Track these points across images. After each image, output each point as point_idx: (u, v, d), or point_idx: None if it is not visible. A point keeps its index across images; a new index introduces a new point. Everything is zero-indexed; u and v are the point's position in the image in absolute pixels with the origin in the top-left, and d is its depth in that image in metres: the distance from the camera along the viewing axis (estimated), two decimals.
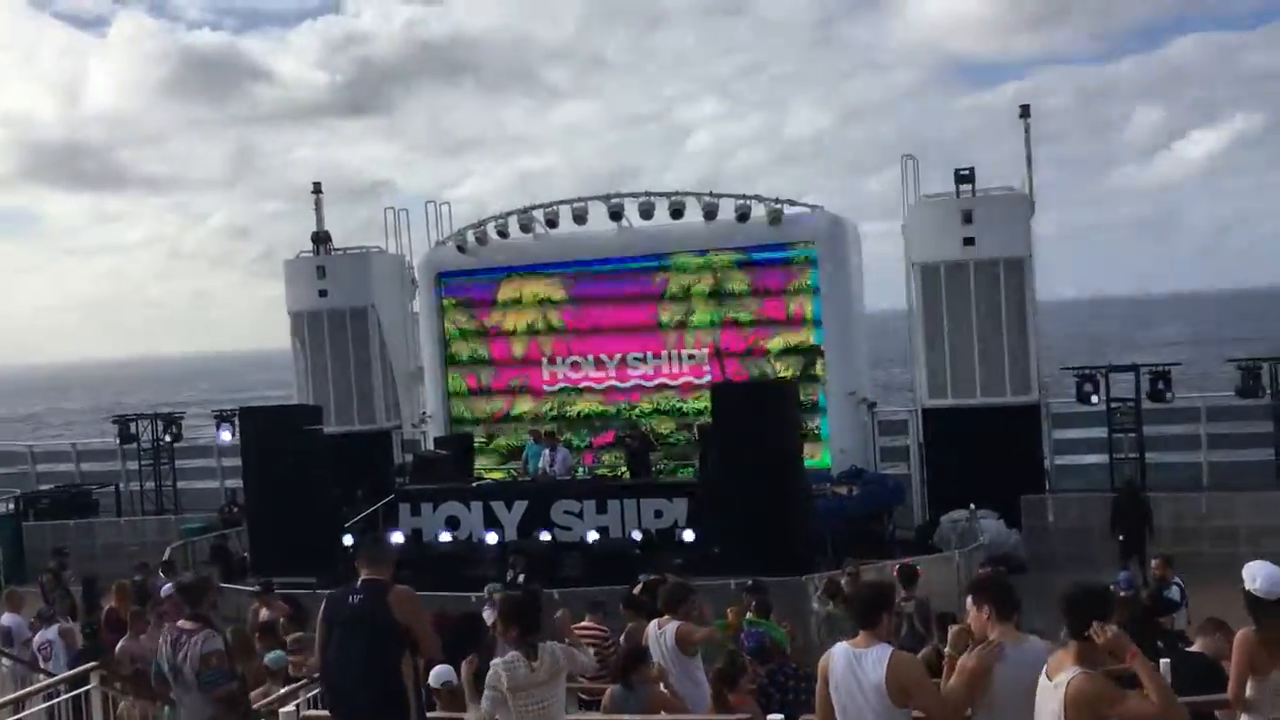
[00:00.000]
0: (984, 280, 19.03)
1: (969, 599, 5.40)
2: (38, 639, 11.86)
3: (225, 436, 22.87)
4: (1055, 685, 4.85)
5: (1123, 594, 11.40)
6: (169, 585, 13.45)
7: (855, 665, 5.36)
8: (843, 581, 12.36)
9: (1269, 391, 18.48)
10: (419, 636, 6.31)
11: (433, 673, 7.78)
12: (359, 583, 6.38)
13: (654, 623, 8.68)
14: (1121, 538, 16.77)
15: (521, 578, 15.12)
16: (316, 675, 7.62)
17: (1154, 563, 12.99)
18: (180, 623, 7.25)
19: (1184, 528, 17.87)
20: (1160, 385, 18.83)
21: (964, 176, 19.21)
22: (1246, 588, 5.83)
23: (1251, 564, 5.88)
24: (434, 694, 7.77)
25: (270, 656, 9.37)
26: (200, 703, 6.85)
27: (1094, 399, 19.07)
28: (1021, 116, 19.66)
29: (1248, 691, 5.87)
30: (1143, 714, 4.72)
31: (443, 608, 11.05)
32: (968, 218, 19.03)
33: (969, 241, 19.00)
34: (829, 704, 5.46)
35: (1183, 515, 18.03)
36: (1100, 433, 19.68)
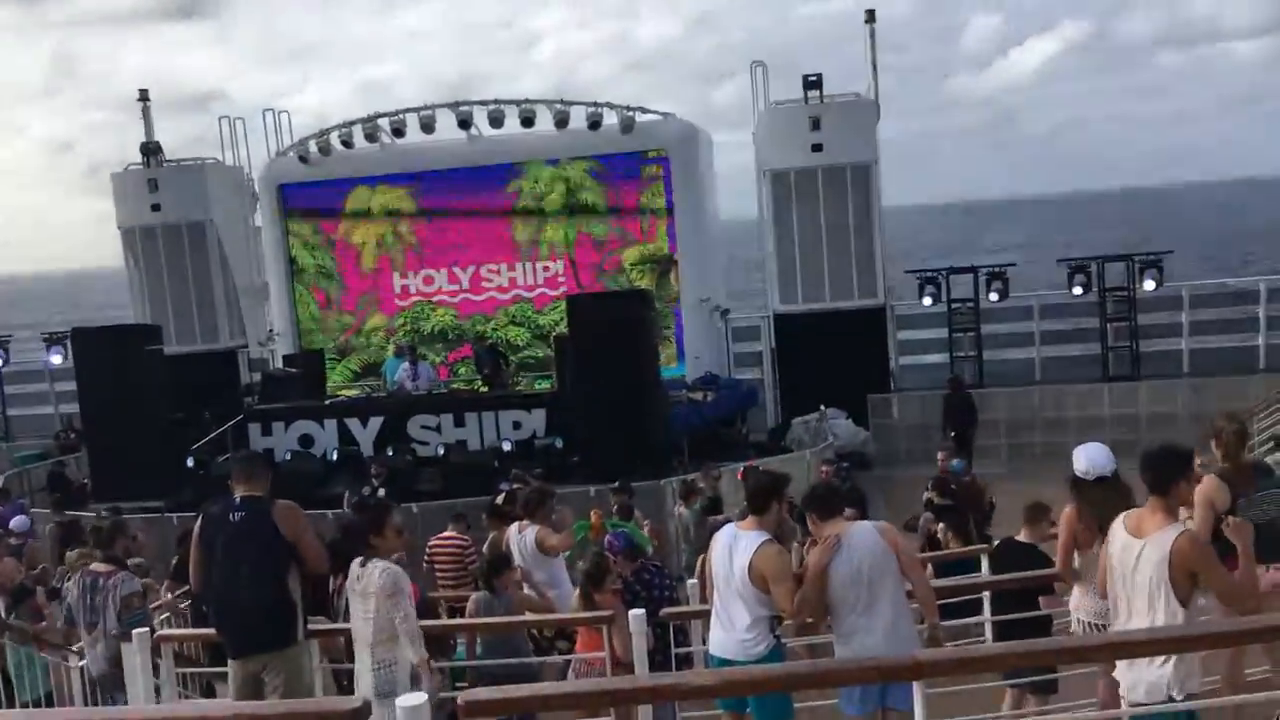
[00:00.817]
0: (832, 186, 19.36)
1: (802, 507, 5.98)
2: None
3: (56, 360, 21.77)
4: (1152, 542, 4.79)
5: (965, 479, 12.03)
6: (22, 519, 12.92)
7: (732, 544, 5.78)
8: (701, 484, 12.63)
9: (1096, 289, 19.47)
10: (304, 548, 6.32)
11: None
12: (238, 499, 6.35)
13: (514, 526, 8.75)
14: (952, 434, 17.52)
15: (381, 491, 14.97)
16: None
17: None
18: (94, 566, 7.57)
19: (1018, 420, 18.91)
20: (997, 285, 19.63)
21: (812, 83, 19.37)
22: (1074, 470, 6.24)
23: (1079, 447, 6.29)
24: None
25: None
26: (118, 644, 7.06)
27: (935, 300, 19.77)
28: (866, 22, 19.88)
29: (1074, 563, 6.31)
30: (1228, 584, 4.91)
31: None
32: (816, 124, 19.25)
33: (817, 148, 19.26)
34: (709, 579, 5.92)
35: (1017, 408, 19.04)
36: (941, 333, 20.46)
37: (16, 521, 12.86)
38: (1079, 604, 6.38)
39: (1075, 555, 6.35)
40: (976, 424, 17.86)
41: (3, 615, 8.91)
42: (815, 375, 18.84)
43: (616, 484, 12.06)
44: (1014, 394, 19.37)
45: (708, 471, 13.52)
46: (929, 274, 20.06)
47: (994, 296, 19.60)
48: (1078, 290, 19.32)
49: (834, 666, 4.77)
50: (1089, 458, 6.21)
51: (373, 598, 5.97)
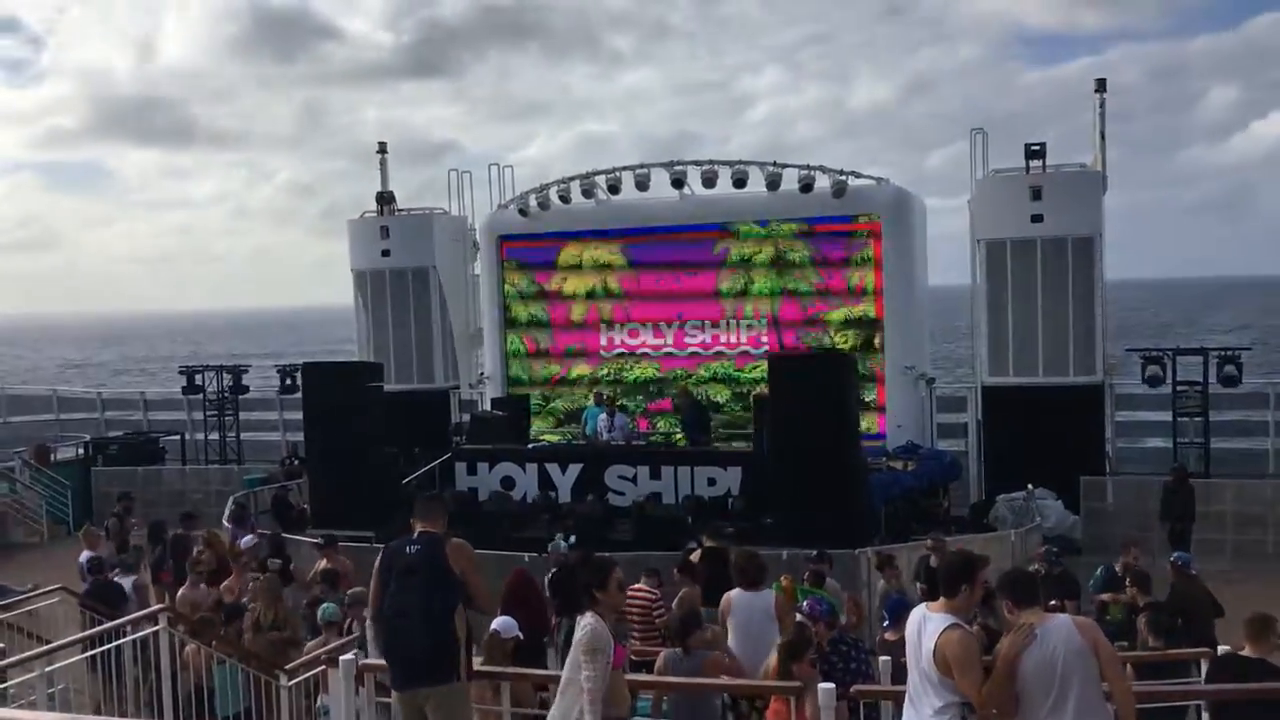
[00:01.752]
0: (1051, 258, 18.70)
1: (997, 596, 5.71)
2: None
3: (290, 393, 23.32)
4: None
5: (1193, 571, 11.16)
6: (250, 538, 13.86)
7: (921, 626, 5.59)
8: (929, 555, 12.20)
9: None
10: (473, 587, 6.49)
11: (498, 622, 7.93)
12: (416, 534, 6.58)
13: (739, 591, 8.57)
14: (1169, 527, 16.48)
15: (572, 539, 15.26)
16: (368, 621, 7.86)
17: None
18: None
19: (1247, 514, 17.56)
20: (1229, 369, 18.43)
21: (1034, 152, 18.85)
22: None
23: None
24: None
25: (324, 609, 9.56)
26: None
27: (1160, 382, 18.72)
28: (1097, 91, 19.22)
29: None
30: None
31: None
32: (1037, 194, 18.68)
33: (1037, 218, 18.67)
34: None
35: (1246, 502, 17.69)
36: (1164, 416, 19.33)
37: (245, 540, 13.78)
38: None
39: None
40: (1194, 519, 16.73)
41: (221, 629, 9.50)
42: (1024, 452, 18.12)
43: (815, 552, 11.83)
44: (1243, 486, 18.04)
45: (932, 542, 12.80)
46: (1154, 353, 19.03)
47: (1226, 381, 18.39)
48: None
49: None
50: None
51: (577, 648, 6.00)
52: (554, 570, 10.70)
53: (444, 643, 6.31)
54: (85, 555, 13.10)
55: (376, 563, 6.73)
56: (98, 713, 7.79)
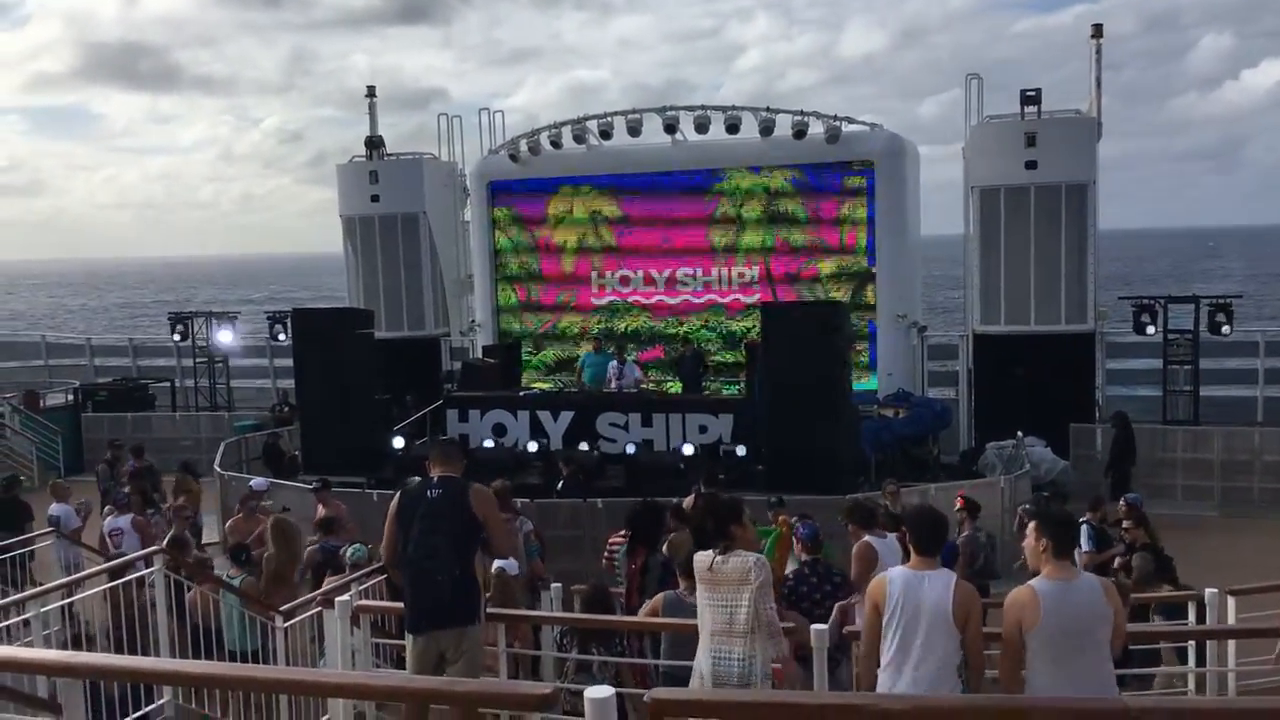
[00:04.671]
0: (1045, 205, 18.65)
1: (1031, 523, 5.42)
2: (108, 524, 12.21)
3: (281, 337, 23.25)
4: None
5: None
6: (261, 480, 13.98)
7: (917, 587, 5.41)
8: (883, 500, 12.34)
9: None
10: (493, 531, 6.56)
11: (503, 562, 7.99)
12: (435, 478, 6.58)
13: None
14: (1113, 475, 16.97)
15: (560, 485, 15.34)
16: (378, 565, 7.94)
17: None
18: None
19: (1235, 462, 17.72)
20: (1219, 318, 18.47)
21: (1030, 98, 18.72)
22: None
23: None
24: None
25: (353, 550, 9.49)
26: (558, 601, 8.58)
27: (1150, 329, 18.77)
28: (1093, 37, 19.05)
29: None
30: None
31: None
32: (1031, 140, 18.58)
33: (1031, 165, 18.59)
34: (877, 630, 5.48)
35: (1235, 449, 17.84)
36: (1155, 364, 19.41)
37: (257, 482, 13.89)
38: None
39: None
40: (1134, 464, 17.36)
41: (226, 571, 9.53)
42: (1014, 400, 18.20)
43: (775, 499, 11.98)
44: (1232, 434, 18.17)
45: (887, 488, 13.16)
46: (1146, 301, 19.05)
47: (1219, 329, 18.43)
48: None
49: (1040, 704, 4.51)
50: None
51: (738, 587, 5.88)
52: (637, 506, 10.80)
53: (469, 585, 6.40)
54: (54, 508, 13.06)
55: (392, 507, 6.68)
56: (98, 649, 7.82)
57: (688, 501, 11.81)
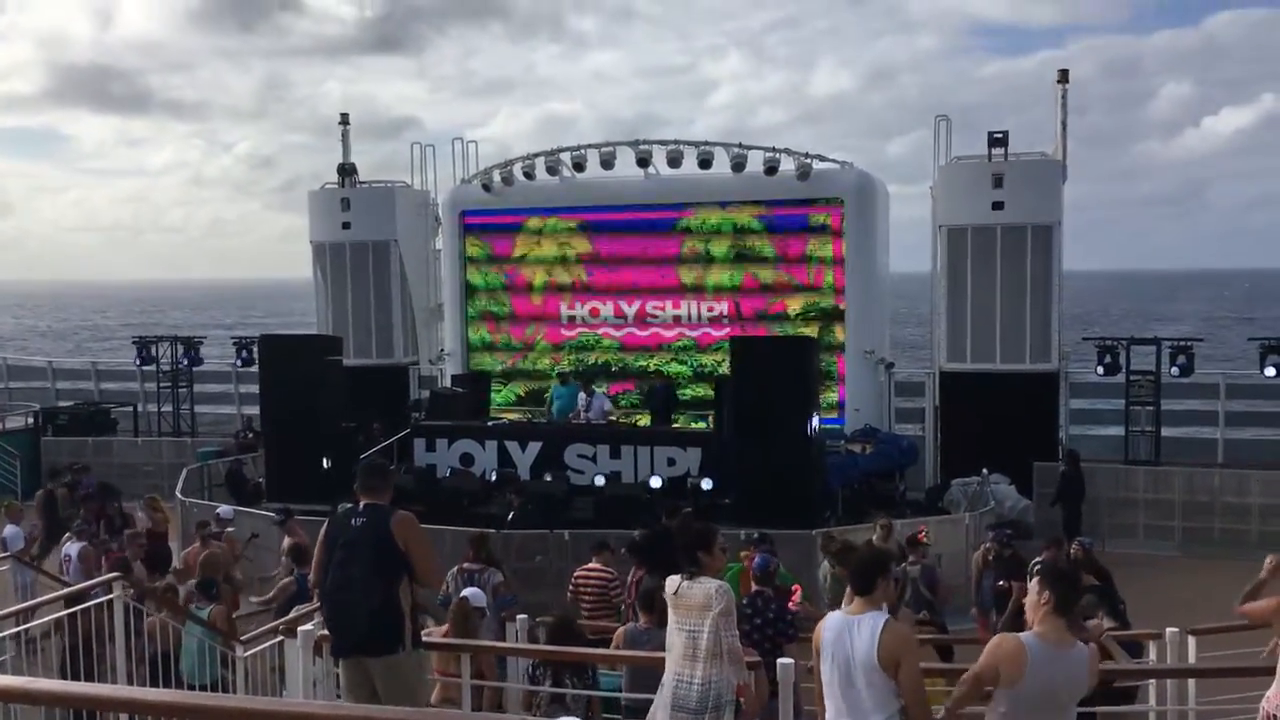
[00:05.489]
0: (1011, 245, 18.88)
1: (1036, 577, 5.17)
2: (65, 550, 12.07)
3: (241, 364, 23.09)
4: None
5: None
6: (228, 508, 13.88)
7: (848, 633, 5.20)
8: (874, 537, 12.26)
9: None
10: (418, 561, 6.40)
11: (469, 591, 7.92)
12: (361, 506, 6.49)
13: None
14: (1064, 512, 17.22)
15: (510, 515, 15.29)
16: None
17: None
18: (466, 564, 10.10)
19: (1196, 503, 17.90)
20: (1181, 360, 18.74)
21: (997, 140, 18.99)
22: None
23: None
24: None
25: None
26: (491, 622, 8.85)
27: (1114, 370, 19.00)
28: (1059, 82, 19.39)
29: None
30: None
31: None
32: (998, 182, 18.84)
33: (998, 205, 18.84)
34: (819, 676, 5.32)
35: (1196, 490, 18.03)
36: (1117, 404, 19.63)
37: (224, 510, 13.77)
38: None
39: None
40: (1083, 501, 17.59)
41: (190, 598, 9.40)
42: (979, 437, 18.33)
43: (756, 535, 11.93)
44: (1192, 474, 18.37)
45: (878, 523, 12.83)
46: (1108, 342, 19.30)
47: (1176, 371, 18.71)
48: (1270, 371, 18.26)
49: None
50: None
51: (700, 613, 5.86)
52: (643, 532, 10.82)
53: (386, 616, 6.26)
54: (6, 530, 12.92)
55: (320, 533, 6.68)
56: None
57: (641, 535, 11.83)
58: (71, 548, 12.06)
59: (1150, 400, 19.17)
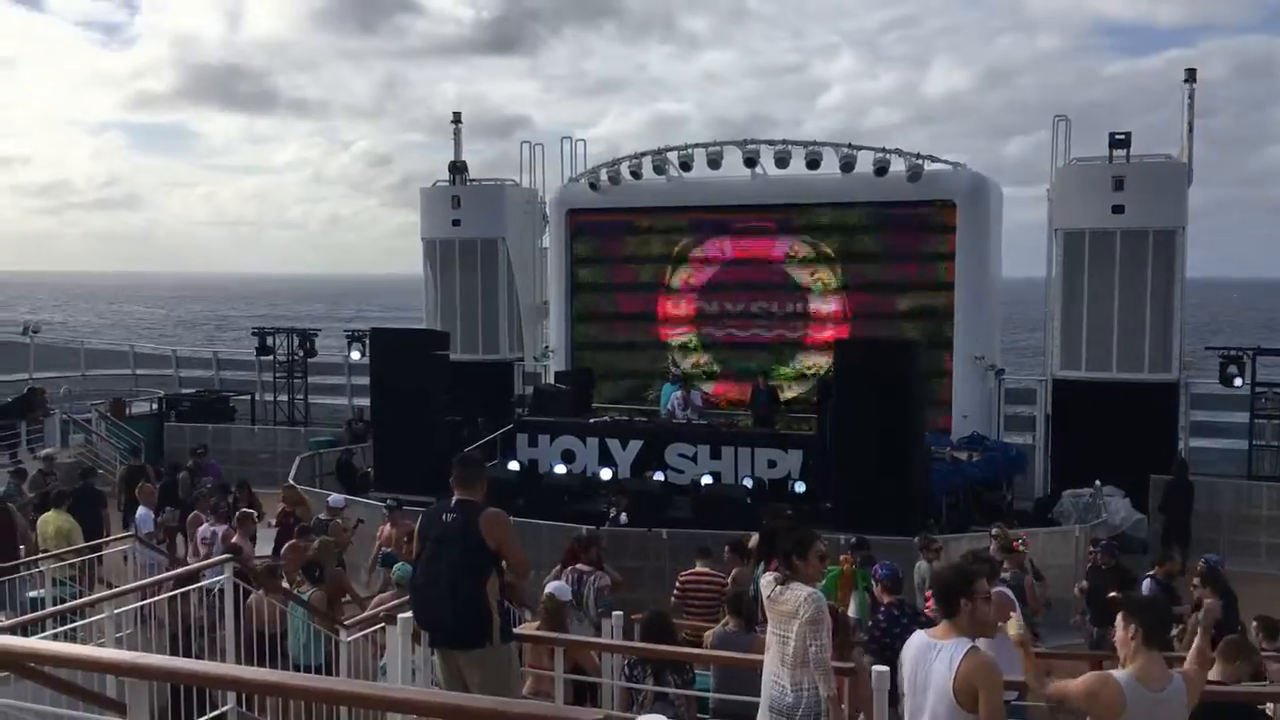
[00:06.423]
0: (1131, 250, 18.26)
1: (1120, 613, 4.94)
2: (203, 531, 12.49)
3: (355, 355, 23.67)
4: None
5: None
6: (339, 497, 14.28)
7: (927, 658, 4.87)
8: (991, 547, 11.91)
9: None
10: (509, 557, 6.45)
11: (553, 586, 7.99)
12: (453, 501, 6.54)
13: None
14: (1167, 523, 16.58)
15: (624, 516, 15.33)
16: None
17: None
18: (579, 565, 10.32)
19: None
20: None
21: (1119, 141, 18.38)
22: None
23: None
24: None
25: (397, 569, 9.67)
26: (590, 622, 9.08)
27: (1238, 381, 18.24)
28: (1186, 81, 18.67)
29: None
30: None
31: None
32: (1119, 184, 18.24)
33: (1118, 209, 18.23)
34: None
35: None
36: (1241, 418, 18.83)
37: (334, 498, 14.16)
38: None
39: None
40: (1190, 513, 16.87)
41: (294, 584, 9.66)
42: (1092, 448, 17.76)
43: (854, 540, 11.75)
44: None
45: (928, 544, 12.33)
46: (1234, 352, 18.52)
47: None
48: None
49: None
50: None
51: (790, 619, 5.85)
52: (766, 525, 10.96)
53: (471, 612, 6.30)
54: (139, 512, 13.45)
55: (417, 527, 6.79)
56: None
57: (753, 541, 11.76)
58: (207, 530, 12.42)
59: (1276, 413, 18.35)
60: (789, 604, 5.87)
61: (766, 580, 6.05)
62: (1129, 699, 4.66)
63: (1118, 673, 4.79)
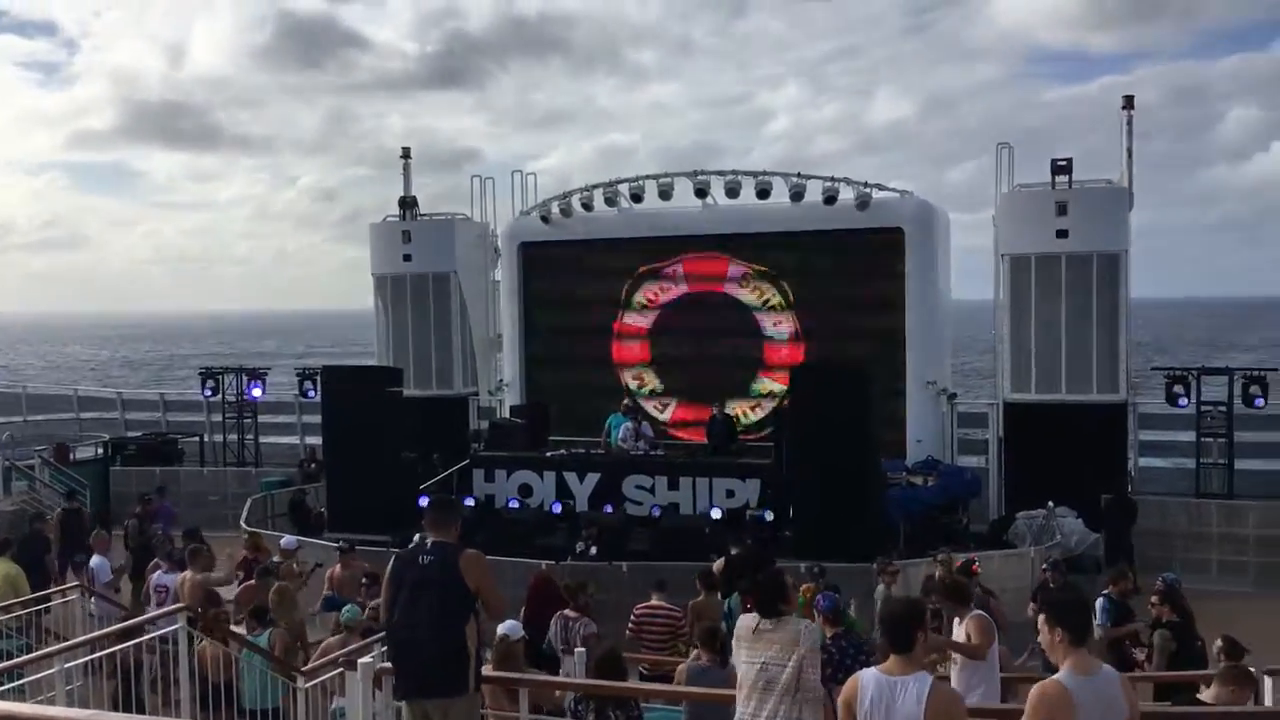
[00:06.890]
0: (1076, 274, 18.54)
1: (1041, 617, 4.97)
2: (155, 579, 12.12)
3: (309, 394, 23.37)
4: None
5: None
6: (291, 539, 14.03)
7: (889, 695, 4.78)
8: (936, 572, 12.00)
9: None
10: (487, 598, 6.37)
11: (505, 626, 7.91)
12: (429, 544, 6.44)
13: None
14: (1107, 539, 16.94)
15: (593, 549, 15.23)
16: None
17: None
18: (567, 612, 10.29)
19: (1271, 536, 17.40)
20: (1254, 390, 18.23)
21: (1061, 167, 18.69)
22: None
23: None
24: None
25: (346, 611, 9.56)
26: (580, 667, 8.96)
27: (1184, 401, 18.55)
28: (1124, 108, 19.05)
29: None
30: None
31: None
32: (1062, 209, 18.53)
33: (1062, 234, 18.52)
34: None
35: (1271, 524, 17.52)
36: (1188, 436, 19.15)
37: (287, 540, 13.92)
38: None
39: None
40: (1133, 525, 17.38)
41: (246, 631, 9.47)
42: (1045, 469, 17.95)
43: (817, 568, 11.73)
44: (1268, 508, 17.85)
45: (884, 568, 12.44)
46: (1178, 372, 18.85)
47: (1253, 401, 18.20)
48: None
49: None
50: None
51: (786, 648, 5.91)
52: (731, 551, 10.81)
53: (455, 656, 6.21)
54: (93, 560, 13.12)
55: (387, 571, 6.64)
56: (116, 709, 7.78)
57: (717, 565, 11.75)
58: (168, 577, 12.00)
59: (1223, 432, 18.67)
60: (786, 635, 5.93)
61: (750, 618, 6.09)
62: (1074, 691, 4.67)
63: (1056, 675, 4.81)
